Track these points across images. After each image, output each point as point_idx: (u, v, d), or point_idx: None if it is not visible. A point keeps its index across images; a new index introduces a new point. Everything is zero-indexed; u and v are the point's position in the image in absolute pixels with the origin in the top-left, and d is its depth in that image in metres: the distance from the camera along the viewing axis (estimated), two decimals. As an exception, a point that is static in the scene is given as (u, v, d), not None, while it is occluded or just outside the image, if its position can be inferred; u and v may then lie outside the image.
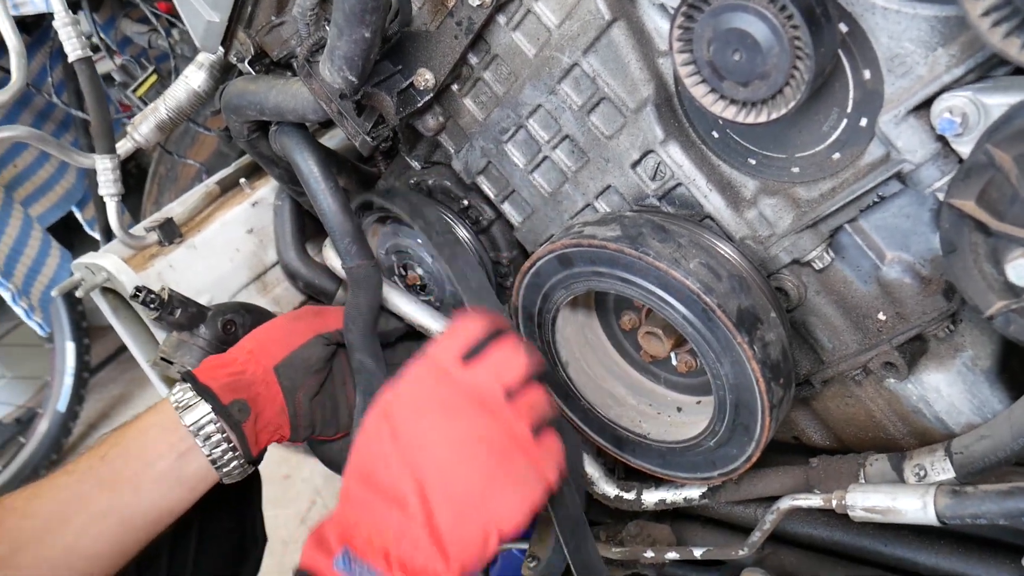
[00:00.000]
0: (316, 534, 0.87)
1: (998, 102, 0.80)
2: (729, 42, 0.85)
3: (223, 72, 1.49)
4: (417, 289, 1.45)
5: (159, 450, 1.10)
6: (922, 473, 1.03)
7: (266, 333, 1.26)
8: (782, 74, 0.84)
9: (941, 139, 0.87)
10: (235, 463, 1.13)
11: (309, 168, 1.24)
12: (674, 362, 1.20)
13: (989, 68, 0.83)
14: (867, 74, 0.89)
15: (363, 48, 1.02)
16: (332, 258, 1.50)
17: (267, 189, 1.64)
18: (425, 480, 0.85)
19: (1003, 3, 0.69)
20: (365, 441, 0.91)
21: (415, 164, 1.38)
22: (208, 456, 1.11)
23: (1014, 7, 0.68)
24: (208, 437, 1.11)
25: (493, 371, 0.91)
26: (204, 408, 1.11)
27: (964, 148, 0.84)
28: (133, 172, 3.04)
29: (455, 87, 1.19)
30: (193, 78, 1.49)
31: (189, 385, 1.13)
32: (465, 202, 1.32)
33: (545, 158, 1.17)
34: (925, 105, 0.86)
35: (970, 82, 0.84)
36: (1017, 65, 0.71)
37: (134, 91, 1.88)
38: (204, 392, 1.12)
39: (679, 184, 1.07)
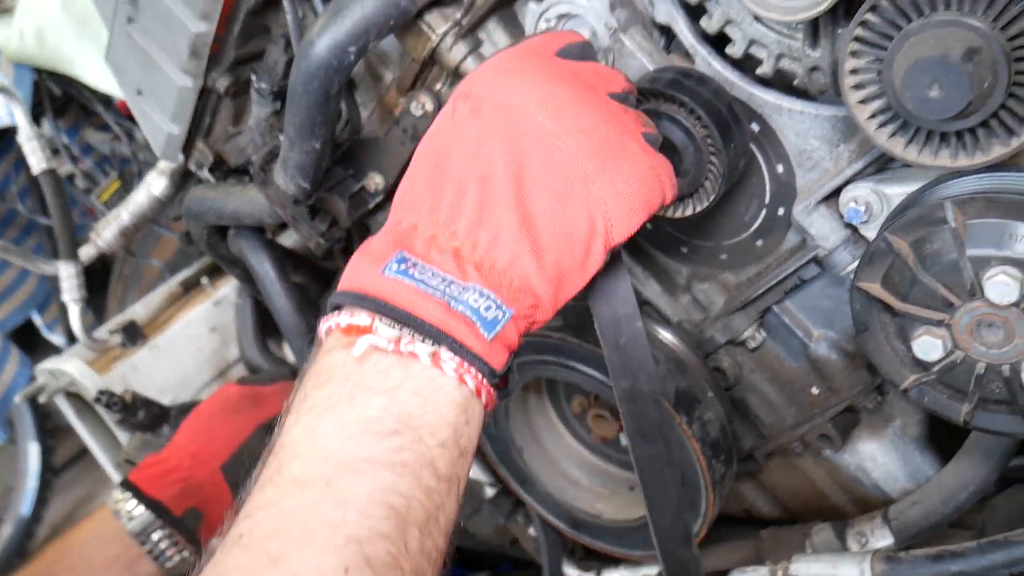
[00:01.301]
0: (359, 251, 0.68)
1: (897, 191, 0.88)
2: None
3: (183, 178, 1.55)
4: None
5: (104, 561, 1.10)
6: (863, 540, 1.07)
7: (209, 432, 1.27)
8: (700, 171, 0.91)
9: (850, 226, 0.94)
10: (187, 560, 1.14)
11: (264, 270, 1.29)
12: (623, 442, 1.24)
13: (887, 161, 0.91)
14: (780, 168, 0.96)
15: (314, 158, 1.09)
16: (292, 354, 1.54)
17: (229, 288, 1.68)
18: (516, 152, 0.66)
19: (885, 107, 0.77)
20: (433, 131, 0.72)
21: (370, 260, 1.44)
22: (157, 561, 1.12)
23: (895, 111, 0.76)
24: (156, 543, 1.11)
25: (595, 70, 0.76)
26: (148, 517, 1.11)
27: (871, 234, 0.91)
28: (97, 268, 3.06)
29: (404, 188, 1.26)
30: (154, 185, 1.55)
31: (131, 495, 1.14)
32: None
33: (492, 252, 1.23)
34: (834, 195, 0.93)
35: (871, 174, 0.91)
36: (903, 161, 0.78)
37: (98, 196, 1.93)
38: (153, 505, 1.13)
39: (618, 273, 1.13)
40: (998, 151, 0.73)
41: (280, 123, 1.22)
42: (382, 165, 1.20)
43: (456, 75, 1.08)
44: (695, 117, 0.87)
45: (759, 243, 1.03)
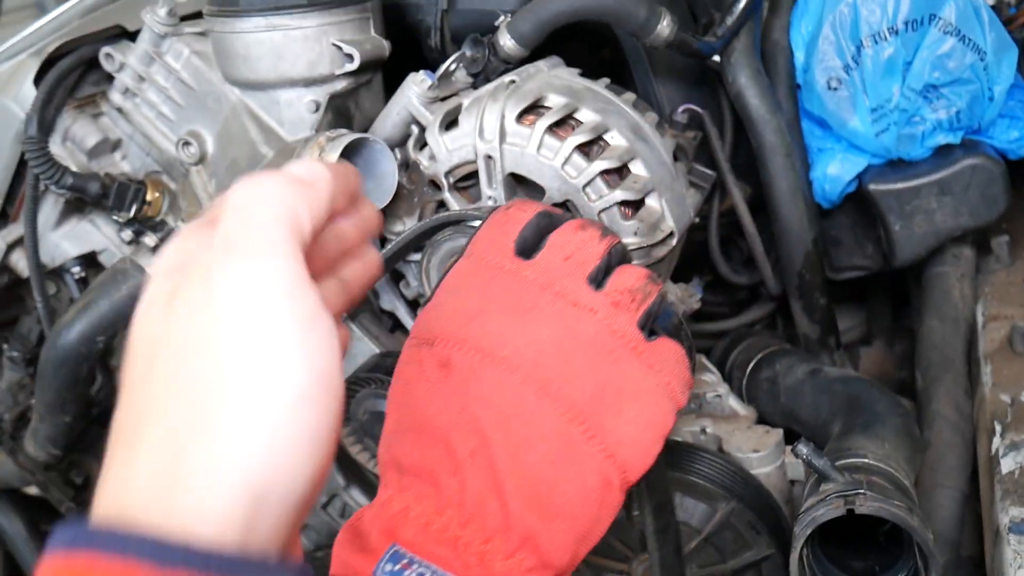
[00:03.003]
0: (350, 528, 0.59)
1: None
2: (378, 420, 1.04)
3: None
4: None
5: None
6: None
7: None
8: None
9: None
10: None
11: (17, 532, 1.29)
12: None
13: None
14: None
15: (64, 429, 1.13)
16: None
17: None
18: (502, 419, 0.59)
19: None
20: (405, 384, 0.63)
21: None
22: None
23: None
24: None
25: (565, 257, 0.63)
26: None
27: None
28: None
29: (161, 443, 1.31)
30: None
31: None
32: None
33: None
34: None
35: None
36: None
37: None
38: None
39: (364, 520, 1.23)
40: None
41: (32, 386, 1.25)
42: (139, 424, 1.26)
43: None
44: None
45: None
